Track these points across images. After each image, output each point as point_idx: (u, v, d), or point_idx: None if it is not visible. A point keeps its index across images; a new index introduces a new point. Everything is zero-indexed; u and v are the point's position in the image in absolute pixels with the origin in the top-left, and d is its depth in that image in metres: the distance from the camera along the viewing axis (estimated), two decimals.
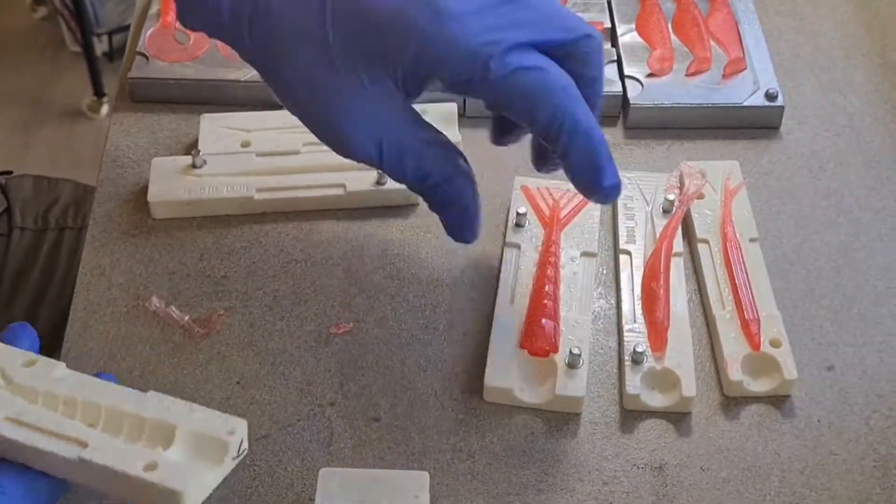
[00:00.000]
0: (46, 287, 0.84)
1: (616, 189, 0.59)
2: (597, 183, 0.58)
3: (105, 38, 1.77)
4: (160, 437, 0.54)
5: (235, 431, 0.53)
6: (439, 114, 0.79)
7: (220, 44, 0.83)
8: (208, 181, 0.75)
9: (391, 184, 0.73)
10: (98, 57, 1.76)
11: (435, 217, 0.64)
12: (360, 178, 0.74)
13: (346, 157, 0.60)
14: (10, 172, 0.92)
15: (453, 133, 0.79)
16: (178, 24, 0.85)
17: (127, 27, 1.27)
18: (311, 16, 0.56)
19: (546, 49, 0.56)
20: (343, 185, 0.74)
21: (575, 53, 0.57)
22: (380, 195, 0.74)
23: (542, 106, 0.56)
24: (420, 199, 0.72)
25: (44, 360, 0.57)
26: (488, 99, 0.58)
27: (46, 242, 0.85)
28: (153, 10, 0.86)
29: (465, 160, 0.62)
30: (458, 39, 0.54)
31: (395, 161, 0.59)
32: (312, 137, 0.76)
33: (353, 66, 0.56)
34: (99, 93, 1.76)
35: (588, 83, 0.58)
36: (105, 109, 1.78)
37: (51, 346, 0.81)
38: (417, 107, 0.78)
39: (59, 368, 0.57)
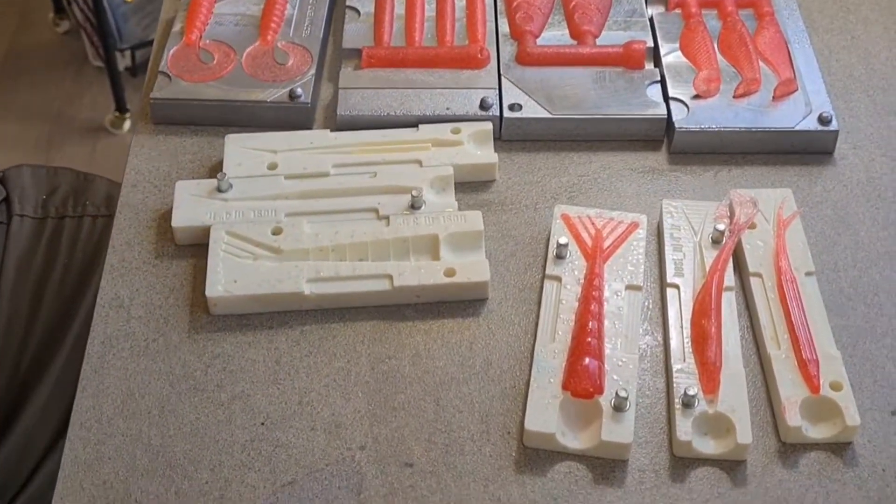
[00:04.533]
0: (48, 276, 0.84)
1: None
2: None
3: (128, 53, 1.75)
4: None
5: None
6: (474, 132, 0.76)
7: (244, 63, 0.80)
8: (235, 206, 0.71)
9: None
10: (121, 72, 1.73)
11: None
12: (395, 203, 0.71)
13: None
14: None
15: (488, 152, 0.75)
16: (202, 43, 0.82)
17: (150, 42, 1.24)
18: None
19: None
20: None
21: None
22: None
23: None
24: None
25: None
26: None
27: (46, 231, 0.87)
28: (176, 27, 0.83)
29: None
30: None
31: None
32: (342, 158, 0.74)
33: None
34: (121, 108, 1.73)
35: None
36: (127, 125, 1.75)
37: (56, 336, 0.81)
38: (450, 124, 0.75)
39: None
